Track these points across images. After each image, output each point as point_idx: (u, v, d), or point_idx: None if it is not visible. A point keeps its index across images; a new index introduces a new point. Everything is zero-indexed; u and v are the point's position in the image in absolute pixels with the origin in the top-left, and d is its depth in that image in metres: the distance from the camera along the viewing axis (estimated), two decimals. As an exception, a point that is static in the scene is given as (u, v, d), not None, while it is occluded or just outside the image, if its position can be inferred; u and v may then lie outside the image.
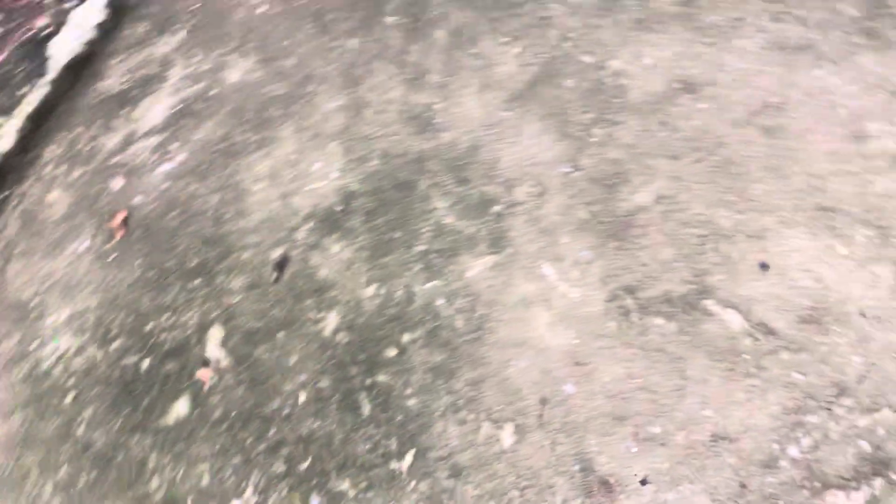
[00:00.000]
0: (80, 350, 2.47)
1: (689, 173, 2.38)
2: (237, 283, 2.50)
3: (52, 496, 2.18)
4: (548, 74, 2.69)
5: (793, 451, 1.90)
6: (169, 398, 2.29)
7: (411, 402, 2.13)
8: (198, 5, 3.21)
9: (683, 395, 2.04)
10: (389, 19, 2.99)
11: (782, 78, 2.48)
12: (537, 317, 2.25)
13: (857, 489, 1.82)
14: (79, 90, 3.26)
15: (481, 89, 2.73)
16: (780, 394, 1.99)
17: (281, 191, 2.69)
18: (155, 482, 2.13)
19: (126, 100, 3.15)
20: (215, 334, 2.39)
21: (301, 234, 2.55)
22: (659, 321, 2.17)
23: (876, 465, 1.84)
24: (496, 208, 2.48)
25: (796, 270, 2.15)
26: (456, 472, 2.00)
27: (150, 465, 2.17)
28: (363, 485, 2.02)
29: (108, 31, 3.43)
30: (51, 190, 2.95)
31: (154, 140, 2.93)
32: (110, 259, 2.67)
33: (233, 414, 2.21)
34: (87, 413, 2.31)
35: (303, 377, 2.24)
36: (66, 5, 3.56)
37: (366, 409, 2.15)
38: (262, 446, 2.13)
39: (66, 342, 2.50)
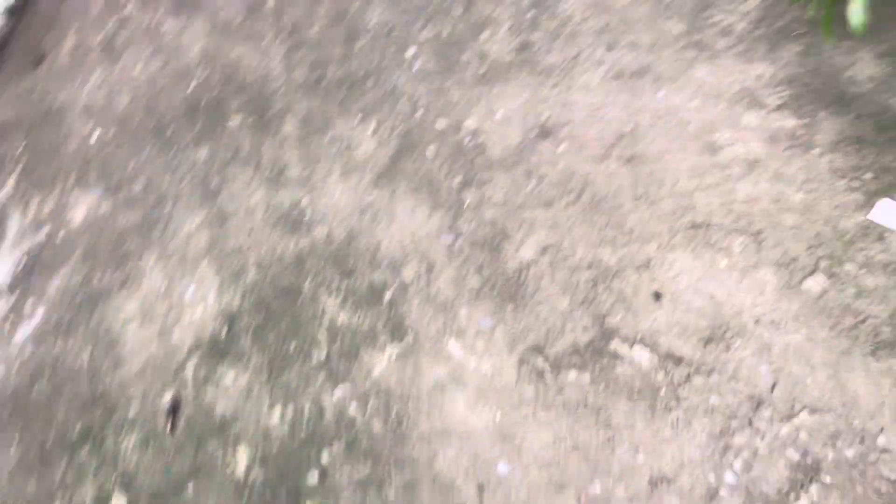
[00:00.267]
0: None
1: (565, 218, 2.39)
2: (130, 441, 2.28)
3: None
4: (407, 146, 2.65)
5: (729, 477, 1.90)
6: None
7: (345, 530, 1.99)
8: (22, 146, 2.97)
9: (613, 445, 2.01)
10: (234, 121, 2.87)
11: (629, 105, 2.55)
12: (454, 400, 2.18)
13: (797, 500, 1.84)
14: None
15: (345, 174, 2.66)
16: (703, 421, 2.00)
17: (157, 328, 2.49)
18: None
19: (-37, 264, 2.86)
20: (116, 508, 2.16)
21: (189, 371, 2.37)
22: (572, 375, 2.14)
23: (808, 472, 1.87)
24: (388, 295, 2.40)
25: (687, 293, 2.19)
26: None
27: None
28: None
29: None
30: None
31: (4, 304, 2.66)
32: (-22, 450, 2.38)
33: None
34: None
35: (223, 532, 2.05)
36: None
37: (299, 549, 1.99)
38: None
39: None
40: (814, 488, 1.84)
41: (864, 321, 2.04)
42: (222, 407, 2.27)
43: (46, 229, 2.82)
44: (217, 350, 2.40)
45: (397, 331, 2.33)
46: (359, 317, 2.38)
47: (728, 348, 2.08)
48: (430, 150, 2.63)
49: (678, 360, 2.09)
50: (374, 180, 2.62)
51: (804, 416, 1.94)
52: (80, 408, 2.38)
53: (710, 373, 2.06)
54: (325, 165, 2.70)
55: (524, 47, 2.75)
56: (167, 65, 3.07)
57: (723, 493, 1.88)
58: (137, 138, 2.92)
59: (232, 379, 2.32)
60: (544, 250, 2.36)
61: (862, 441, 1.89)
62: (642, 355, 2.12)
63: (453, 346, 2.27)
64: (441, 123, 2.68)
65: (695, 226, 2.29)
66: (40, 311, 2.63)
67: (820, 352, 2.03)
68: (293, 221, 2.61)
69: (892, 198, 2.19)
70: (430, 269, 2.41)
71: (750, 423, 1.97)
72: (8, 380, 2.50)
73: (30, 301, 2.67)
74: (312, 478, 2.10)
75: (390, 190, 2.58)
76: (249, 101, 2.90)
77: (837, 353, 2.01)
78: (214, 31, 3.11)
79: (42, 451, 2.33)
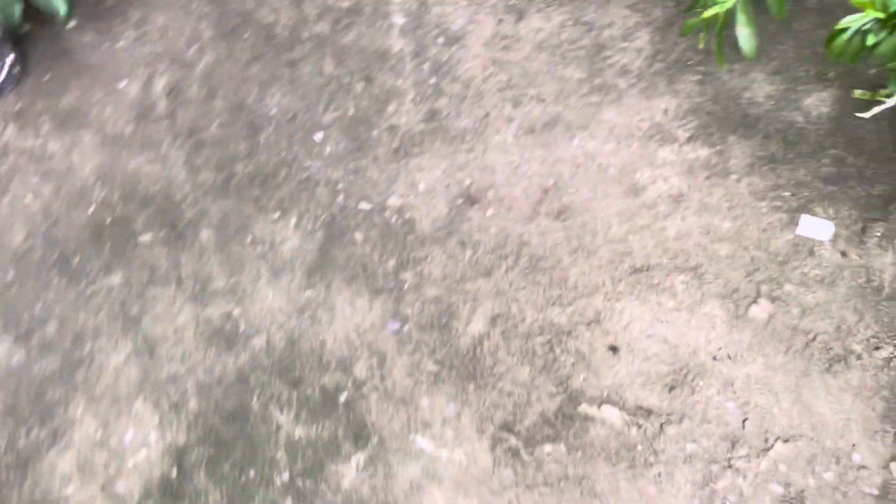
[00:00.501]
0: None
1: (507, 284, 2.36)
2: None
3: None
4: (334, 235, 2.56)
5: (722, 525, 1.90)
6: None
7: None
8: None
9: (604, 515, 1.97)
10: (144, 238, 2.71)
11: (546, 159, 2.55)
12: (433, 497, 2.09)
13: (790, 536, 1.85)
14: None
15: (274, 276, 2.54)
16: (684, 471, 1.99)
17: (99, 483, 2.30)
18: None
19: None
20: None
21: (144, 525, 2.18)
22: (548, 448, 2.09)
23: (794, 503, 1.88)
24: (343, 397, 2.29)
25: (642, 340, 2.19)
26: None
27: None
28: None
29: None
30: None
31: (-82, 489, 2.39)
32: None
33: None
34: None
35: None
36: None
37: None
38: None
39: None
40: (804, 521, 1.85)
41: (814, 339, 2.08)
42: (188, 557, 2.10)
43: (-46, 393, 2.56)
44: (170, 494, 2.23)
45: (360, 435, 2.22)
46: (317, 428, 2.26)
47: (693, 391, 2.08)
48: (359, 236, 2.55)
49: (648, 413, 2.08)
50: (305, 277, 2.52)
51: (779, 447, 1.96)
52: (26, 590, 2.16)
53: (681, 419, 2.05)
54: (251, 270, 2.57)
55: (433, 115, 2.72)
56: (60, 189, 2.88)
57: (720, 544, 1.86)
58: (41, 275, 2.70)
59: (193, 523, 2.16)
60: (494, 321, 2.31)
61: (838, 461, 1.91)
62: (612, 414, 2.10)
63: (421, 441, 2.18)
64: (364, 205, 2.61)
65: (635, 270, 2.30)
66: (-38, 487, 2.38)
67: (780, 377, 2.06)
68: (227, 336, 2.47)
69: (811, 213, 2.26)
70: (381, 362, 2.32)
71: (730, 464, 1.97)
72: (-63, 574, 2.24)
73: (-52, 478, 2.41)
74: None
75: (325, 284, 2.49)
76: (157, 215, 2.75)
77: (796, 376, 2.05)
78: (105, 145, 2.94)
79: None
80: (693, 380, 2.10)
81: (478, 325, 2.32)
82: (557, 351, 2.22)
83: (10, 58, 3.12)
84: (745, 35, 2.12)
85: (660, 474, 2.00)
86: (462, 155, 2.62)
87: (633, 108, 2.58)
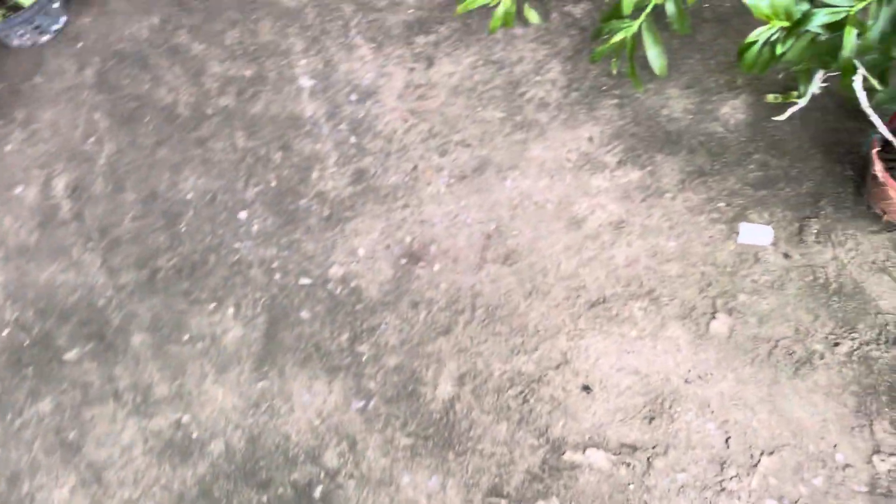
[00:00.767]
0: None
1: (468, 340, 2.29)
2: None
3: None
4: (278, 317, 2.43)
5: (728, 552, 1.88)
6: None
7: None
8: None
9: (610, 564, 1.92)
10: (70, 355, 2.49)
11: (483, 204, 2.51)
12: (433, 581, 1.98)
13: (795, 551, 1.85)
14: None
15: (220, 372, 2.38)
16: (679, 503, 1.96)
17: None
18: None
19: None
20: None
21: None
22: (540, 505, 2.03)
23: (792, 517, 1.88)
24: (318, 492, 2.16)
25: (612, 375, 2.17)
26: None
27: None
28: None
29: None
30: None
31: None
32: None
33: None
34: None
35: None
36: None
37: None
38: None
39: None
40: (805, 532, 1.86)
41: (776, 346, 2.11)
42: None
43: None
44: None
45: (344, 528, 2.10)
46: (296, 529, 2.12)
47: (672, 419, 2.07)
48: (305, 314, 2.43)
49: (633, 449, 2.05)
50: (255, 367, 2.37)
51: (765, 461, 1.97)
52: None
53: (666, 450, 2.03)
54: (195, 370, 2.40)
55: (360, 176, 2.64)
56: (-35, 315, 2.62)
57: (730, 572, 1.84)
58: (-43, 416, 2.44)
59: None
60: (461, 380, 2.24)
61: (824, 465, 1.94)
62: (598, 457, 2.06)
63: (409, 522, 2.08)
64: (305, 280, 2.49)
65: (592, 304, 2.28)
66: None
67: (752, 389, 2.07)
68: (181, 447, 2.29)
69: (748, 220, 2.31)
70: (352, 445, 2.20)
71: (722, 487, 1.96)
72: None
73: None
74: None
75: (277, 372, 2.35)
76: (81, 327, 2.54)
77: (766, 385, 2.07)
78: (10, 259, 2.70)
79: None
80: (670, 407, 2.09)
81: (446, 388, 2.24)
82: (532, 401, 2.17)
83: None
84: (654, 55, 2.14)
85: (657, 511, 1.97)
86: (397, 212, 2.55)
87: (558, 141, 2.58)
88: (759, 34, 1.94)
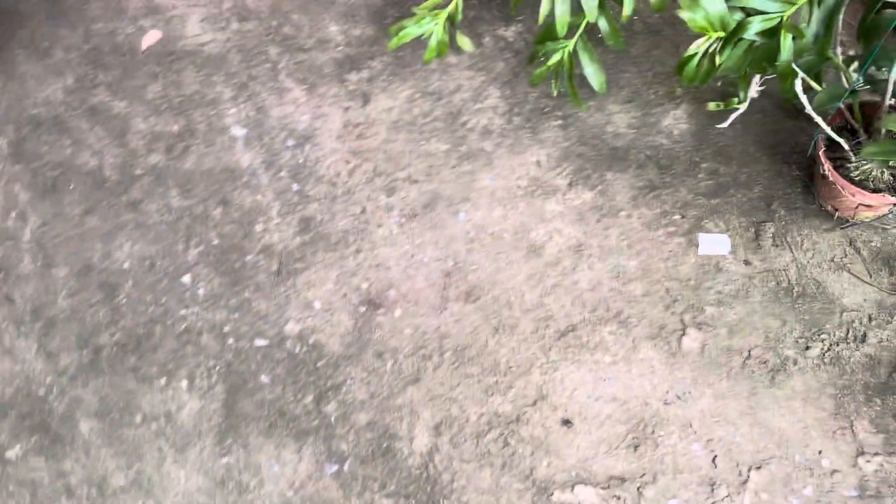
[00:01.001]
0: None
1: (439, 386, 2.21)
2: None
3: None
4: (237, 385, 2.30)
5: (730, 577, 1.84)
6: None
7: None
8: None
9: None
10: (12, 453, 2.30)
11: (437, 241, 2.44)
12: None
13: (796, 566, 1.82)
14: None
15: (180, 452, 2.23)
16: (676, 531, 1.92)
17: None
18: None
19: None
20: None
21: None
22: (535, 552, 1.95)
23: (789, 532, 1.86)
24: (300, 568, 2.03)
25: (591, 405, 2.11)
26: None
27: None
28: None
29: None
30: None
31: None
32: None
33: None
34: None
35: None
36: None
37: None
38: None
39: None
40: (803, 545, 1.83)
41: (748, 356, 2.10)
42: None
43: None
44: None
45: None
46: None
47: (657, 444, 2.03)
48: (264, 378, 2.30)
49: (621, 481, 2.00)
50: (217, 443, 2.23)
51: (754, 476, 1.94)
52: None
53: (655, 478, 1.98)
54: (152, 453, 2.24)
55: (306, 225, 2.53)
56: None
57: None
58: None
59: None
60: (438, 430, 2.15)
61: (811, 473, 1.92)
62: (587, 493, 2.00)
63: (401, 588, 1.97)
64: (260, 342, 2.36)
65: (562, 333, 2.23)
66: None
67: (731, 404, 2.05)
68: (146, 538, 2.13)
69: (705, 230, 2.29)
70: (331, 513, 2.09)
71: (715, 509, 1.92)
72: None
73: None
74: None
75: (241, 444, 2.21)
76: (21, 420, 2.34)
77: (745, 397, 2.05)
78: (-67, 354, 2.49)
79: None
80: (653, 431, 2.04)
81: (422, 440, 2.14)
82: (512, 443, 2.10)
83: None
84: (591, 72, 2.11)
85: (653, 542, 1.92)
86: (350, 259, 2.45)
87: (506, 168, 2.53)
88: (698, 47, 1.92)
